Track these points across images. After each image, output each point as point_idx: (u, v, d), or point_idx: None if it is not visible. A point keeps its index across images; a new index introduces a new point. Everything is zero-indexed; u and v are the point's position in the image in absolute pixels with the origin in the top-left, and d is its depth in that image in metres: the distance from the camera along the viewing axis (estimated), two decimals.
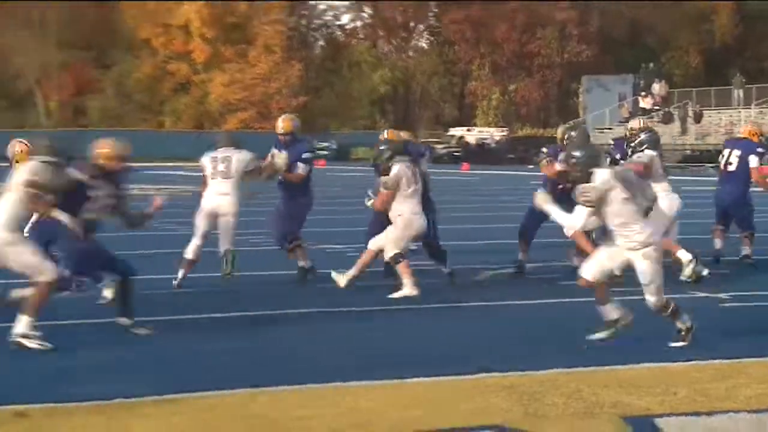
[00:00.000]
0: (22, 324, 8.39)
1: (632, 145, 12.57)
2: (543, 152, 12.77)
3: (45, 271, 8.51)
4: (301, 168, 12.28)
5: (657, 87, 58.30)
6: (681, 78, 66.34)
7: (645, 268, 8.48)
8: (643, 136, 12.55)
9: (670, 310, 8.66)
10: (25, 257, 8.48)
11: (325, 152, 61.78)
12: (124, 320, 9.15)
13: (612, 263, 8.61)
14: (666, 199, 12.11)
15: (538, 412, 6.51)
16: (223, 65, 69.93)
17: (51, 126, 67.99)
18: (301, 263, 12.29)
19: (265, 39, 70.59)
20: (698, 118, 54.44)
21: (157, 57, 71.10)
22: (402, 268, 11.37)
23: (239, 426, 6.22)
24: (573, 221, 9.01)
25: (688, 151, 51.54)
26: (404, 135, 13.02)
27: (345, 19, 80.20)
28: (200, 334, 9.27)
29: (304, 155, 12.37)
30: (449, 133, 66.36)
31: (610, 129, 58.32)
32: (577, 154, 8.62)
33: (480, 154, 58.52)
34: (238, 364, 8.05)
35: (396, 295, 11.15)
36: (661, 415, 6.44)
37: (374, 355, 8.36)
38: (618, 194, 8.40)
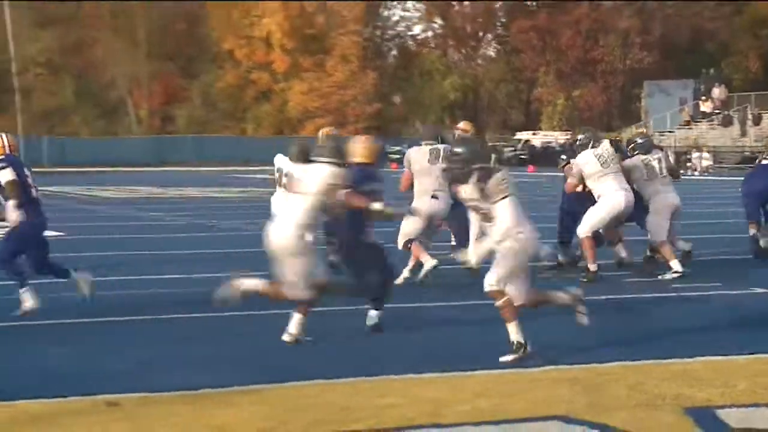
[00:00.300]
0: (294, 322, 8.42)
1: (628, 149, 12.95)
2: (562, 158, 13.11)
3: (301, 293, 8.36)
4: None
5: (717, 91, 57.54)
6: (740, 82, 65.31)
7: (501, 250, 7.82)
8: (638, 140, 12.98)
9: (501, 303, 7.81)
10: (296, 270, 8.28)
11: (397, 156, 61.87)
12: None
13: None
14: (663, 196, 12.50)
15: (601, 403, 6.45)
16: (301, 74, 70.30)
17: (141, 133, 68.95)
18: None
19: (341, 49, 70.84)
20: (757, 120, 53.61)
21: (240, 67, 71.67)
22: (414, 250, 11.71)
23: (317, 414, 6.23)
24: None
25: (747, 153, 50.71)
26: (464, 126, 13.42)
27: (417, 29, 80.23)
28: (280, 328, 9.31)
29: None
30: (516, 137, 66.08)
31: (671, 132, 57.69)
32: (458, 150, 7.99)
33: (545, 156, 58.15)
34: (317, 356, 8.08)
35: (422, 273, 11.55)
36: (722, 407, 6.34)
37: (444, 348, 8.34)
38: (505, 188, 7.83)
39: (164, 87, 70.72)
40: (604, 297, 10.98)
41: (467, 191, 7.92)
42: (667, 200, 12.51)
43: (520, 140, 64.36)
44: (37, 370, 7.56)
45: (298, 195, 8.46)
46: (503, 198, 7.81)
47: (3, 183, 10.06)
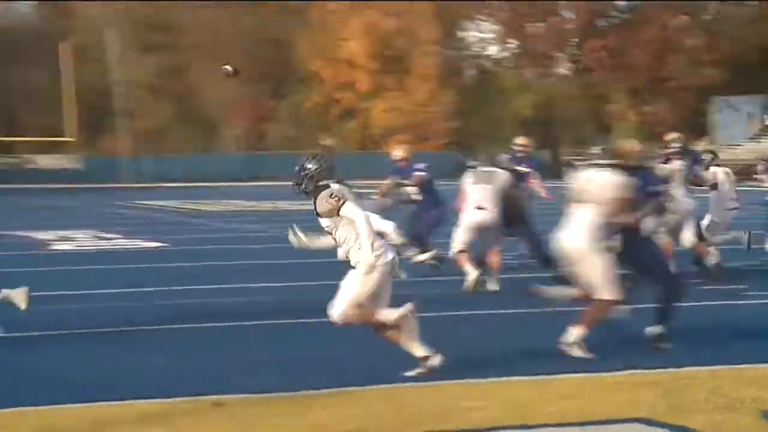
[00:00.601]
0: (573, 334, 7.98)
1: (664, 153, 12.92)
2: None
3: (608, 290, 7.96)
4: (415, 176, 13.21)
5: None
6: None
7: (354, 271, 7.31)
8: (674, 146, 12.86)
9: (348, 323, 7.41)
10: (596, 271, 7.94)
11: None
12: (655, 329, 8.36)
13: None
14: (684, 200, 12.45)
15: (681, 406, 6.34)
16: (383, 93, 70.53)
17: (235, 150, 69.72)
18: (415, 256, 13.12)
19: (421, 69, 70.92)
20: None
21: (326, 87, 72.12)
22: (461, 260, 12.04)
23: (408, 416, 6.22)
24: (325, 242, 7.58)
25: None
26: (521, 142, 13.53)
27: (492, 49, 79.96)
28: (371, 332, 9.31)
29: (419, 166, 13.24)
30: (589, 152, 65.48)
31: (739, 145, 56.71)
32: (309, 166, 7.42)
33: None
34: (408, 359, 8.04)
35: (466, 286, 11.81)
36: None
37: (530, 351, 8.26)
38: (350, 208, 7.24)
39: (256, 107, 71.48)
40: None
41: (318, 207, 7.36)
42: (687, 204, 12.55)
43: (592, 155, 63.79)
44: (148, 372, 7.67)
45: (588, 203, 8.12)
46: (349, 211, 7.23)
47: None
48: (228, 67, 10.59)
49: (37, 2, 72.95)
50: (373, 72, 70.70)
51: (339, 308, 7.34)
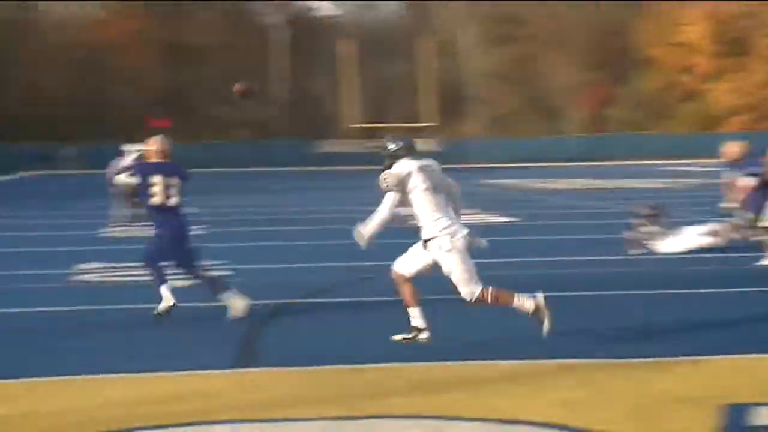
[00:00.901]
0: None
1: None
2: None
3: None
4: (744, 181, 12.35)
5: None
6: None
7: (440, 258, 7.07)
8: None
9: (490, 302, 7.13)
10: None
11: None
12: None
13: (420, 259, 7.20)
14: None
15: None
16: (724, 75, 67.29)
17: (579, 133, 69.24)
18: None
19: (762, 50, 66.97)
20: None
21: (664, 71, 69.83)
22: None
23: (759, 386, 5.98)
24: (380, 212, 7.25)
25: None
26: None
27: None
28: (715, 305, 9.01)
29: (751, 169, 12.34)
30: None
31: None
32: (390, 145, 7.36)
33: None
34: (755, 332, 7.72)
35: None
36: None
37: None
38: (418, 182, 7.14)
39: (597, 92, 70.57)
40: None
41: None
42: None
43: None
44: (508, 334, 7.80)
45: None
46: (418, 192, 7.15)
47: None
48: (237, 86, 9.62)
49: (402, 2, 76.18)
50: (713, 54, 67.68)
51: (467, 291, 7.16)
